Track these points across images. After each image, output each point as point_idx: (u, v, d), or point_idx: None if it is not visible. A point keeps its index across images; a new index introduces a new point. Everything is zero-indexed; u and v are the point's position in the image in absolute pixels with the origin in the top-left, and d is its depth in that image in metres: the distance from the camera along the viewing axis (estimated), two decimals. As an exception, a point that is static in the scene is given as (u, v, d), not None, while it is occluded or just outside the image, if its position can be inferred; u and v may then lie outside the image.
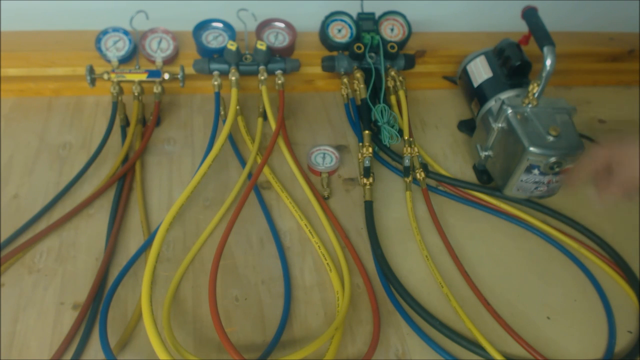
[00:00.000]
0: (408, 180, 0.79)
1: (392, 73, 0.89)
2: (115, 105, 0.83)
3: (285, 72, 0.86)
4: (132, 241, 0.69)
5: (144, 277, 0.56)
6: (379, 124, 0.83)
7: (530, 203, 0.80)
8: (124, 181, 0.75)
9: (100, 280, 0.63)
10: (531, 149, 0.69)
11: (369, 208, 0.75)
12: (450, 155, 0.88)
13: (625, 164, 0.61)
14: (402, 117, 0.84)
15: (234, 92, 0.81)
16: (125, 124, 0.83)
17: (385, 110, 0.84)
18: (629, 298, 0.71)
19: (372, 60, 0.88)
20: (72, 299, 0.62)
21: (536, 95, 0.73)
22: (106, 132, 0.80)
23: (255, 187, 0.77)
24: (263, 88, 0.83)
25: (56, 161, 0.78)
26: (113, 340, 0.58)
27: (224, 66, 0.84)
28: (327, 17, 0.91)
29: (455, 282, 0.70)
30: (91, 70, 0.81)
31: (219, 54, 0.86)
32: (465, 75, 0.91)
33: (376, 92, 0.86)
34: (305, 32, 0.93)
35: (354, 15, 0.91)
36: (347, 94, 0.90)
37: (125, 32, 0.85)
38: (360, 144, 0.80)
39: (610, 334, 0.66)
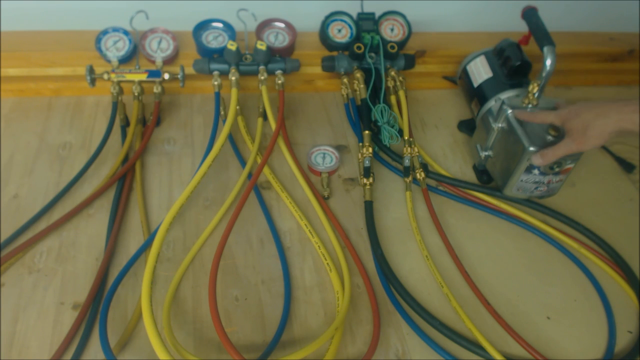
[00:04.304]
0: (408, 180, 0.79)
1: (392, 73, 0.89)
2: (115, 105, 0.83)
3: (285, 72, 0.86)
4: (132, 241, 0.69)
5: (144, 277, 0.56)
6: (379, 124, 0.83)
7: (530, 203, 0.80)
8: (124, 181, 0.75)
9: (100, 280, 0.63)
10: (531, 149, 0.69)
11: (369, 208, 0.75)
12: (450, 155, 0.88)
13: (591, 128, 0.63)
14: (402, 117, 0.84)
15: (234, 92, 0.81)
16: (125, 124, 0.83)
17: (385, 110, 0.84)
18: (629, 298, 0.71)
19: (372, 60, 0.88)
20: (72, 299, 0.62)
21: (536, 95, 0.73)
22: (106, 132, 0.80)
23: (255, 187, 0.77)
24: (263, 88, 0.83)
25: (56, 161, 0.78)
26: (113, 340, 0.58)
27: (224, 66, 0.84)
28: (327, 17, 0.91)
29: (455, 282, 0.70)
30: (91, 70, 0.81)
31: (219, 54, 0.86)
32: (465, 75, 0.91)
33: (376, 92, 0.86)
34: (305, 32, 0.93)
35: (354, 15, 0.91)
36: (347, 94, 0.90)
37: (125, 32, 0.85)
38: (360, 144, 0.80)
39: (610, 334, 0.66)
